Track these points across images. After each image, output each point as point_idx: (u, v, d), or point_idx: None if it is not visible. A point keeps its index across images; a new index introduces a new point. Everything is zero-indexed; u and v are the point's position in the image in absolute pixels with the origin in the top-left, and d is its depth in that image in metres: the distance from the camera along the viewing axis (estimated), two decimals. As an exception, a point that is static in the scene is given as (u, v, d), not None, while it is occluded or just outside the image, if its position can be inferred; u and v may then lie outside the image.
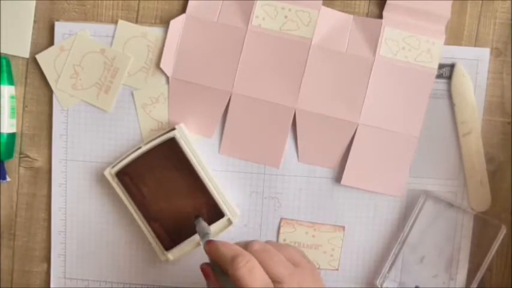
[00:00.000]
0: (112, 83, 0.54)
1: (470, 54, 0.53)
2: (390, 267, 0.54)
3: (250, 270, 0.40)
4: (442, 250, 0.53)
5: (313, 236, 0.54)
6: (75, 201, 0.55)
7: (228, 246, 0.42)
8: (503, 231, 0.50)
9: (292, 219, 0.54)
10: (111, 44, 0.54)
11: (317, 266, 0.54)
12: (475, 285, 0.51)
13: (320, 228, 0.54)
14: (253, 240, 0.44)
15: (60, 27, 0.54)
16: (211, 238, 0.45)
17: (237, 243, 0.44)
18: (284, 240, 0.54)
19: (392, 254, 0.54)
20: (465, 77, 0.52)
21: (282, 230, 0.54)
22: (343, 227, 0.54)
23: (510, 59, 0.53)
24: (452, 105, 0.53)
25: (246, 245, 0.43)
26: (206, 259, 0.55)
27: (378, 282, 0.54)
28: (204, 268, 0.43)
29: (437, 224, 0.53)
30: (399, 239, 0.53)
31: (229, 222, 0.53)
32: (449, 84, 0.53)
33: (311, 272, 0.43)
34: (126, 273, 0.55)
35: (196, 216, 0.51)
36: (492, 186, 0.53)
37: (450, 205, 0.53)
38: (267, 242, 0.45)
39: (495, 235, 0.50)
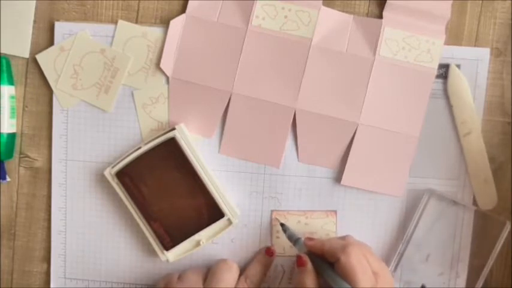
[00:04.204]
0: (112, 83, 0.54)
1: (470, 54, 0.52)
2: (396, 267, 0.54)
3: (360, 259, 0.45)
4: (447, 248, 0.53)
5: (306, 224, 0.54)
6: (75, 201, 0.55)
7: (334, 239, 0.50)
8: (507, 228, 0.50)
9: (283, 210, 0.54)
10: (111, 44, 0.54)
11: None
12: (481, 283, 0.51)
13: (312, 216, 0.54)
14: (347, 235, 0.51)
15: (60, 27, 0.54)
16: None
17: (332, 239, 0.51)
18: (277, 231, 0.54)
19: (397, 253, 0.53)
20: (460, 78, 0.52)
21: (274, 222, 0.54)
22: (335, 212, 0.54)
23: (510, 59, 0.53)
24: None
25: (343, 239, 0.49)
26: (205, 259, 0.55)
27: None
28: (301, 256, 0.48)
29: (441, 221, 0.53)
30: (404, 238, 0.53)
31: (229, 222, 0.53)
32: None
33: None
34: (126, 273, 0.55)
35: (282, 224, 0.52)
36: (492, 186, 0.53)
37: (454, 203, 0.53)
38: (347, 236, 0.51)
39: (499, 232, 0.50)
